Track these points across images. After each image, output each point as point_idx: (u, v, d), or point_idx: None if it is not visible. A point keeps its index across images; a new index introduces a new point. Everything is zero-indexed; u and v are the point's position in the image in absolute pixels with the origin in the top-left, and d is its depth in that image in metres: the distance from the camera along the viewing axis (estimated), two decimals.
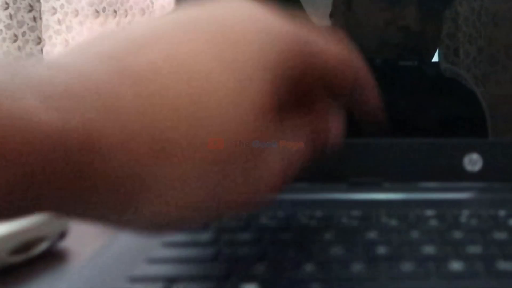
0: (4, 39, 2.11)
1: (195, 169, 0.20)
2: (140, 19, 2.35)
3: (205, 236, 0.29)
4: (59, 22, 2.24)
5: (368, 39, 0.43)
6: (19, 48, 2.13)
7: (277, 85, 0.22)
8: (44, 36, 2.22)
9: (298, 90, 0.24)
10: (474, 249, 0.27)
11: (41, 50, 2.18)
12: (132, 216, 0.20)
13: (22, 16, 2.15)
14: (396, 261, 0.25)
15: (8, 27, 2.12)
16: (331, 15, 0.42)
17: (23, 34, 2.15)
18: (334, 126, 0.27)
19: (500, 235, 0.29)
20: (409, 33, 0.42)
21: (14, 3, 2.13)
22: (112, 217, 0.20)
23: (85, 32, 2.25)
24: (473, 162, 0.39)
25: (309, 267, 0.25)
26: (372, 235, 0.29)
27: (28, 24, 2.15)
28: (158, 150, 0.19)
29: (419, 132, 0.41)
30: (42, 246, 0.33)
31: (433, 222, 0.31)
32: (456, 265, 0.25)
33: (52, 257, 0.33)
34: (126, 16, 2.33)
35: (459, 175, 0.39)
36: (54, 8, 2.23)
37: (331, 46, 0.25)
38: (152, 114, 0.19)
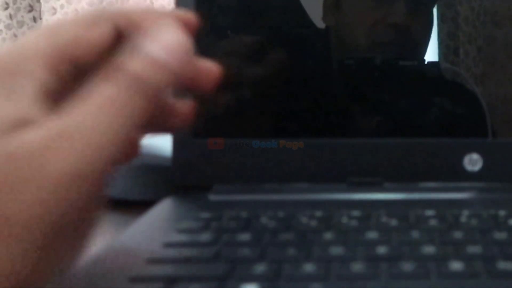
0: (4, 39, 2.11)
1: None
2: None
3: (205, 236, 0.29)
4: None
5: (359, 38, 0.43)
6: None
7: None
8: None
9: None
10: (474, 249, 0.27)
11: None
12: None
13: (22, 16, 2.15)
14: (396, 261, 0.25)
15: (8, 27, 2.12)
16: (324, 18, 0.42)
17: (23, 34, 2.15)
18: None
19: (500, 235, 0.29)
20: (398, 30, 0.42)
21: (14, 3, 2.13)
22: None
23: None
24: (473, 162, 0.39)
25: (309, 267, 0.25)
26: (372, 235, 0.29)
27: (28, 25, 2.15)
28: None
29: (419, 132, 0.41)
30: None
31: (433, 222, 0.31)
32: (456, 265, 0.25)
33: None
34: None
35: (459, 175, 0.39)
36: (54, 8, 2.23)
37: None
38: None
